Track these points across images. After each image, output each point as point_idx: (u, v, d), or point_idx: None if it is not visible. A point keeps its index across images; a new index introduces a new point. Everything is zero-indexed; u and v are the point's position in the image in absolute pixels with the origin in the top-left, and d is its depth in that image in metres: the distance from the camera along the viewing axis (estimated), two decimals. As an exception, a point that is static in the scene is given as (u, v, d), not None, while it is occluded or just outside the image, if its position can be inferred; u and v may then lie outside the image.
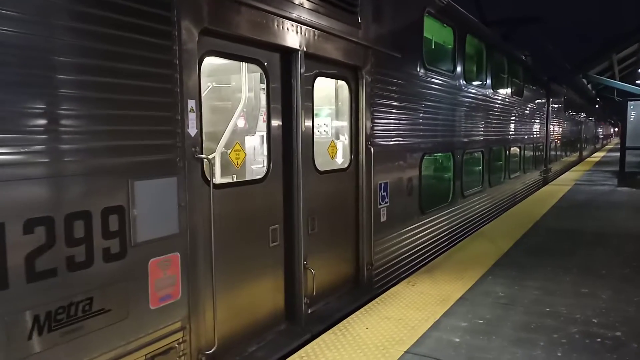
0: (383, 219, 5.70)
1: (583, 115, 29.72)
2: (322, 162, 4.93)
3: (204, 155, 3.34)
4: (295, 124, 4.29)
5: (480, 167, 9.77)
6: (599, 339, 4.10)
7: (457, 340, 4.11)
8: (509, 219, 9.59)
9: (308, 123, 4.47)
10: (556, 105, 18.59)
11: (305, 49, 4.30)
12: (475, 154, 9.50)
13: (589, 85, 20.60)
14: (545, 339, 4.11)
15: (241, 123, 4.89)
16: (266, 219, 4.16)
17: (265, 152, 4.35)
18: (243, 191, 3.96)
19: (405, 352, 3.88)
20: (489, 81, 9.87)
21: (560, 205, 11.34)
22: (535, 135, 14.87)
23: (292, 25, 4.15)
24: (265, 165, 4.20)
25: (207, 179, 3.39)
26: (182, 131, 3.12)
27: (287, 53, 4.23)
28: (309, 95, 4.50)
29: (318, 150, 4.83)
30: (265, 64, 4.09)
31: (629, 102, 15.19)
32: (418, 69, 6.65)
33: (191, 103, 3.18)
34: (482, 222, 9.41)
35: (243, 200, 3.91)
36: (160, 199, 3.00)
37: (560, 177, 18.49)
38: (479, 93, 9.40)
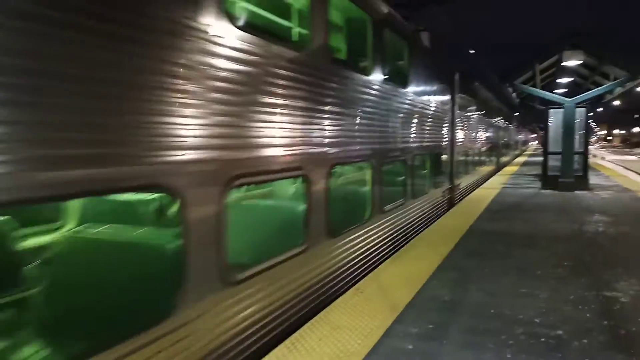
0: None
1: (501, 118, 27.47)
2: None
3: None
4: None
5: (322, 201, 5.40)
6: (543, 339, 4.24)
7: (410, 347, 4.10)
8: (445, 224, 9.85)
9: None
10: (466, 105, 15.20)
11: None
12: (310, 179, 5.17)
13: (514, 94, 21.86)
14: (494, 341, 4.19)
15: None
16: None
17: None
18: None
19: (361, 362, 3.81)
20: (339, 53, 6.23)
21: (491, 208, 11.85)
22: (432, 143, 10.91)
23: None
24: None
25: None
26: None
27: None
28: None
29: None
30: None
31: (549, 109, 16.21)
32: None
33: None
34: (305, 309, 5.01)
35: None
36: None
37: (487, 182, 18.93)
38: (316, 71, 5.25)
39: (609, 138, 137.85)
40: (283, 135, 4.57)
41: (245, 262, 4.18)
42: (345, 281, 5.98)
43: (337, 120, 5.78)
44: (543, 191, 15.24)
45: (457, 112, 13.18)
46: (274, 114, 4.43)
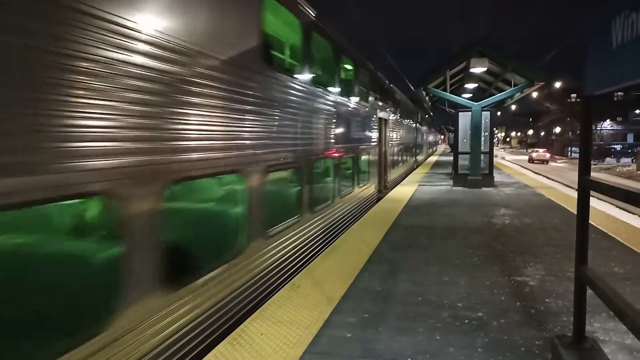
0: None
1: (393, 109, 18.27)
2: None
3: None
4: None
5: None
6: (466, 321, 4.64)
7: (349, 335, 4.30)
8: (373, 218, 10.27)
9: None
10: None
11: None
12: None
13: (427, 98, 23.03)
14: (424, 325, 4.51)
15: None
16: None
17: None
18: None
19: (304, 352, 3.94)
20: None
21: (411, 204, 12.52)
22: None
23: None
24: None
25: None
26: None
27: None
28: None
29: None
30: None
31: (459, 113, 17.38)
32: None
33: None
34: None
35: None
36: None
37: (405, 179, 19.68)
38: None
39: (507, 140, 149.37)
40: None
41: None
42: None
43: None
44: (455, 188, 16.31)
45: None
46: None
